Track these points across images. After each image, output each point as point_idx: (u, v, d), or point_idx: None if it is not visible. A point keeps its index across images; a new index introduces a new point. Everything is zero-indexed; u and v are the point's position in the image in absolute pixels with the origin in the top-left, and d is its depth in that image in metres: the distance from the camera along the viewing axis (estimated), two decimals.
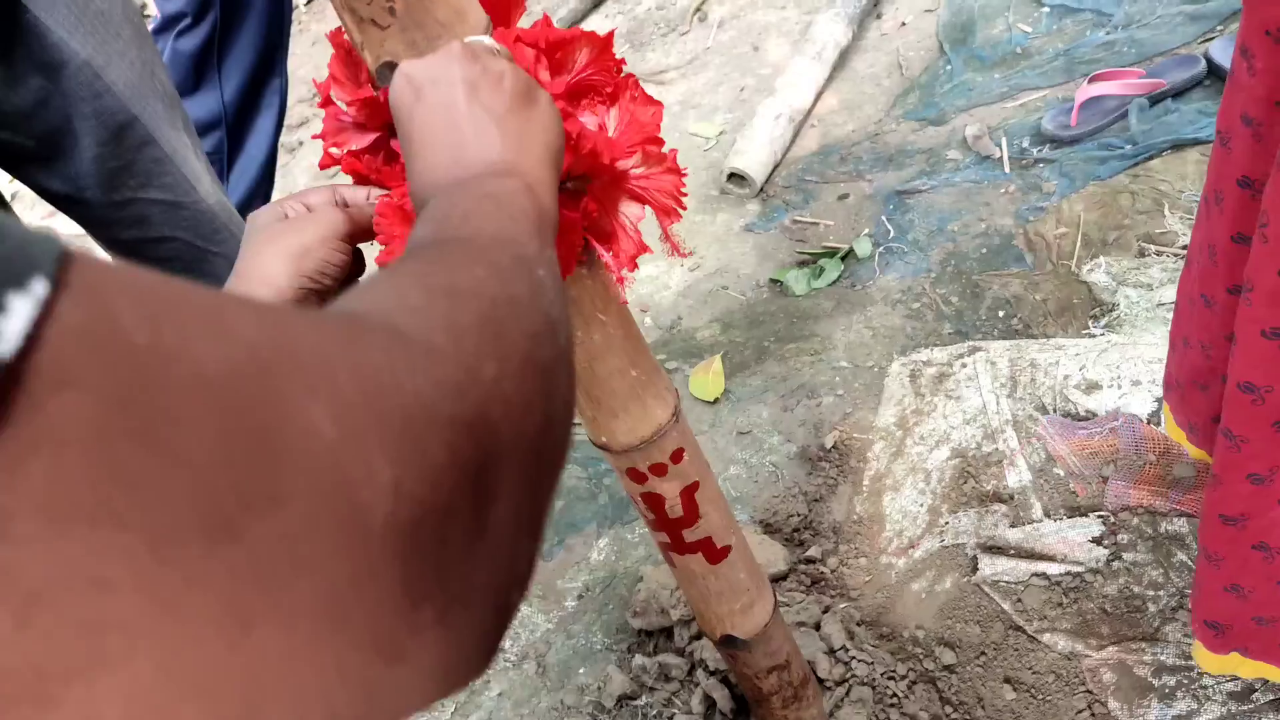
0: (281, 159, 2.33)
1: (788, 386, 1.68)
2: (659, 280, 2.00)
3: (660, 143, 0.71)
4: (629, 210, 0.72)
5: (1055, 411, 1.48)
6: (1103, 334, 1.55)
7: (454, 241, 0.43)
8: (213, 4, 1.94)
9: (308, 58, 3.21)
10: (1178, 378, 1.15)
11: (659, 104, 0.70)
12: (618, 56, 0.70)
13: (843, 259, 1.89)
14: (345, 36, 0.68)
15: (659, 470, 0.91)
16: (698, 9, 2.82)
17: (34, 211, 2.83)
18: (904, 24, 2.46)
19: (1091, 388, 1.48)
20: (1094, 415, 1.45)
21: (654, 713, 1.33)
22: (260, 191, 2.20)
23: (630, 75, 0.72)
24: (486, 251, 0.42)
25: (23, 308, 0.20)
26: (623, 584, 1.50)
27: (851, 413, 1.60)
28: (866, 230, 1.93)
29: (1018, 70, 2.16)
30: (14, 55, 1.16)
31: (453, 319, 0.35)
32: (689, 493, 0.94)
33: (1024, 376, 1.54)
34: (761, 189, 2.14)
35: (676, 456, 0.92)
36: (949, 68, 2.26)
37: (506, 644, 1.50)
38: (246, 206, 2.19)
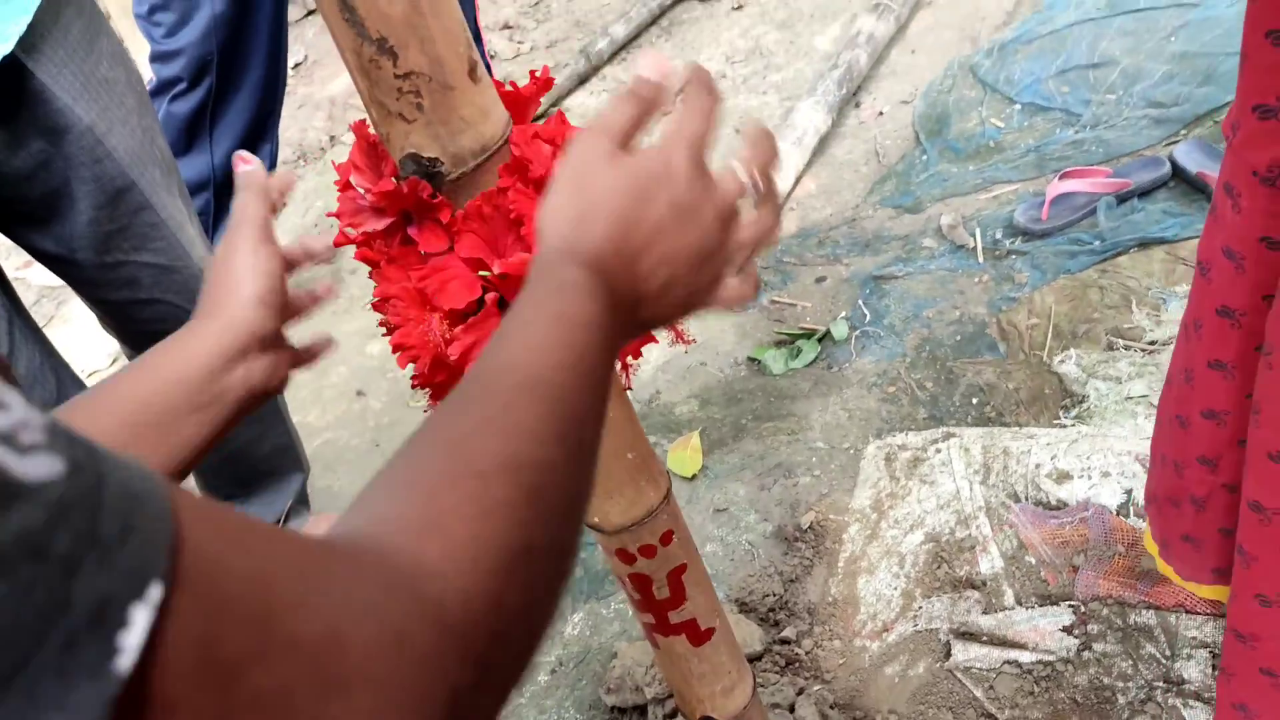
0: None
1: (765, 465, 1.70)
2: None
3: None
4: None
5: (1027, 499, 1.51)
6: (1073, 424, 1.59)
7: (494, 390, 0.42)
8: (209, 71, 1.97)
9: (293, 120, 3.24)
10: (1155, 492, 1.18)
11: None
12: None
13: (820, 341, 1.93)
14: (369, 129, 0.70)
15: (648, 552, 0.92)
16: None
17: (9, 261, 2.82)
18: (881, 113, 2.54)
19: (1062, 477, 1.51)
20: (1065, 505, 1.48)
21: None
22: None
23: None
24: (530, 394, 0.41)
25: (142, 618, 0.20)
26: (597, 660, 1.50)
27: (827, 493, 1.62)
28: (843, 313, 1.97)
29: (991, 163, 2.23)
30: (18, 119, 1.18)
31: (478, 533, 0.34)
32: (676, 574, 0.96)
33: (996, 464, 1.57)
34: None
35: (666, 539, 0.93)
36: (924, 157, 2.33)
37: None
38: None
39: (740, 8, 3.20)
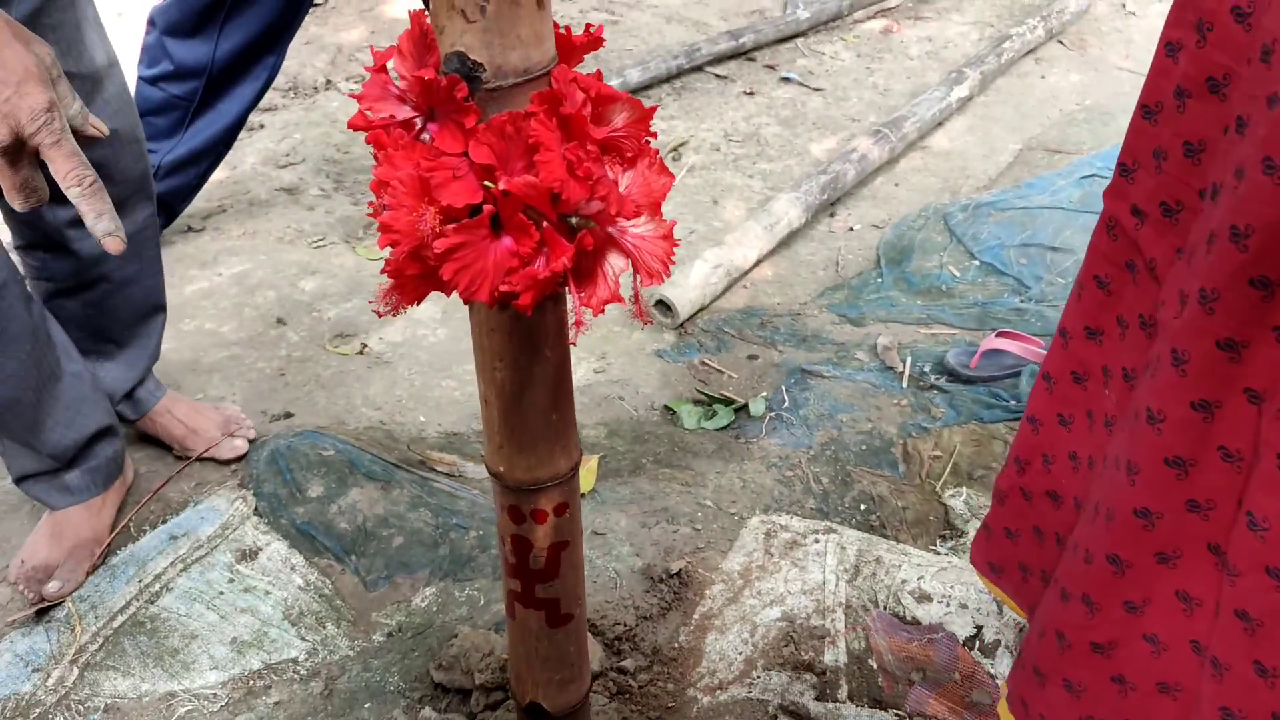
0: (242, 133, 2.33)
1: (652, 506, 1.73)
2: None
3: (660, 210, 0.77)
4: (615, 261, 0.77)
5: (885, 609, 1.56)
6: (947, 554, 1.65)
7: None
8: None
9: (295, 53, 3.23)
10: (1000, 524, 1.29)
11: (671, 176, 0.77)
12: (669, 123, 0.77)
13: (736, 410, 1.98)
14: (426, 18, 0.73)
15: (540, 517, 0.94)
16: (675, 149, 2.97)
17: None
18: (852, 229, 2.64)
19: (923, 598, 1.57)
20: (918, 623, 1.53)
21: None
22: (213, 151, 2.20)
23: (653, 147, 0.78)
24: None
25: None
26: (436, 636, 1.49)
27: (703, 549, 1.65)
28: (765, 393, 2.03)
29: (938, 304, 2.34)
30: None
31: None
32: (556, 549, 0.97)
33: (867, 568, 1.62)
34: (682, 324, 2.23)
35: (560, 510, 0.95)
36: (879, 280, 2.43)
37: (301, 656, 1.46)
38: (194, 161, 2.17)
39: (751, 94, 3.32)
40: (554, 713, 1.09)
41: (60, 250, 1.48)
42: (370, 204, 0.78)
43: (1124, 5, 4.11)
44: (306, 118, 2.99)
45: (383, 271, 0.77)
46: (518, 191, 0.71)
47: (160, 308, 1.67)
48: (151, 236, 1.58)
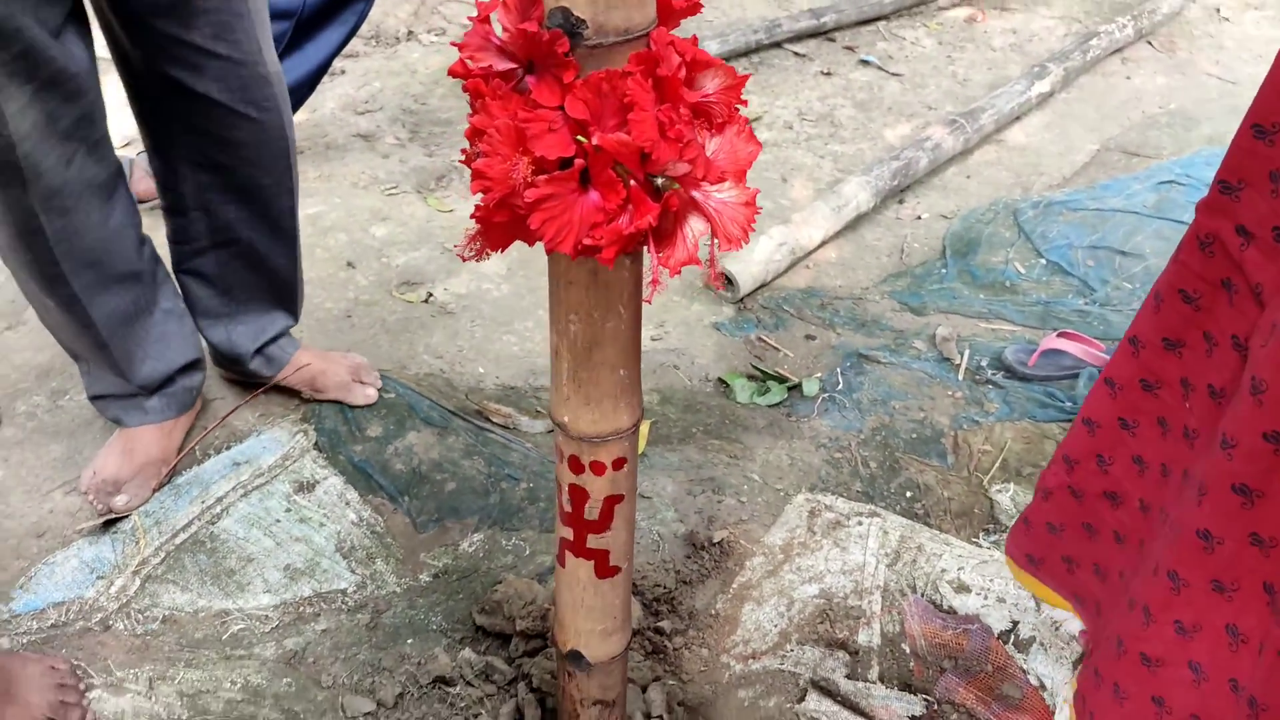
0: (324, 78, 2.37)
1: (699, 474, 1.75)
2: None
3: (744, 178, 0.79)
4: (695, 224, 0.79)
5: (923, 595, 1.57)
6: (989, 548, 1.65)
7: None
8: None
9: (379, 2, 3.27)
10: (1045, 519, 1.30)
11: (758, 145, 0.78)
12: (744, 98, 0.79)
13: (789, 389, 1.99)
14: None
15: (598, 469, 0.97)
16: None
17: None
18: (920, 217, 2.63)
19: (961, 589, 1.58)
20: (954, 612, 1.54)
21: (462, 704, 1.35)
22: (297, 94, 2.24)
23: (742, 115, 0.80)
24: None
25: None
26: (480, 582, 1.53)
27: (746, 520, 1.67)
28: (819, 374, 2.03)
29: (1001, 299, 2.32)
30: None
31: None
32: (611, 502, 1.00)
33: (908, 554, 1.63)
34: (742, 299, 2.25)
35: (618, 464, 0.97)
36: (944, 271, 2.41)
37: (350, 588, 1.51)
38: None
39: (829, 74, 3.30)
40: (594, 662, 1.12)
41: (200, 213, 1.54)
42: (463, 150, 0.80)
43: (1218, 10, 4.01)
44: (387, 66, 3.03)
45: (472, 216, 0.79)
46: (609, 148, 0.72)
47: (293, 276, 1.69)
48: (289, 225, 1.61)
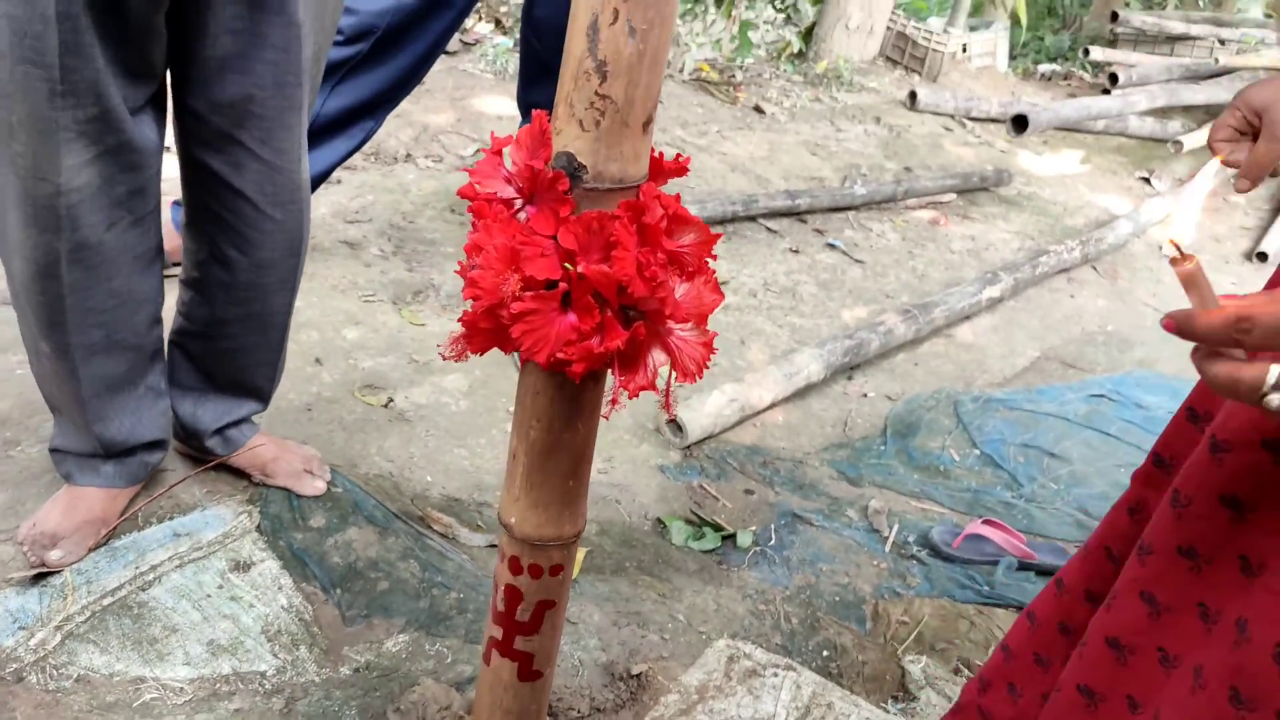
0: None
1: (627, 607, 1.80)
2: None
3: (706, 322, 0.89)
4: (657, 356, 0.88)
5: None
6: (896, 715, 1.70)
7: None
8: (367, 40, 2.18)
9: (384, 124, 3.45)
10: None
11: (721, 295, 0.89)
12: (714, 253, 0.89)
13: (724, 538, 2.06)
14: (549, 121, 0.86)
15: (536, 572, 1.03)
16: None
17: None
18: (866, 395, 2.76)
19: None
20: None
21: None
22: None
23: (711, 267, 0.90)
24: None
25: None
26: (399, 682, 1.55)
27: (666, 658, 1.71)
28: (754, 527, 2.11)
29: (934, 482, 2.43)
30: None
31: None
32: (543, 606, 1.06)
33: (818, 711, 1.67)
34: (689, 446, 2.34)
35: (555, 570, 1.04)
36: (883, 448, 2.53)
37: (270, 671, 1.52)
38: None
39: (796, 252, 3.49)
40: None
41: (205, 300, 1.62)
42: (460, 263, 0.90)
43: (1160, 248, 4.31)
44: (382, 183, 3.17)
45: (460, 320, 0.88)
46: (592, 277, 0.82)
47: (269, 373, 1.76)
48: (282, 322, 1.69)
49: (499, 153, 0.90)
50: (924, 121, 5.19)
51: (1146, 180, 5.15)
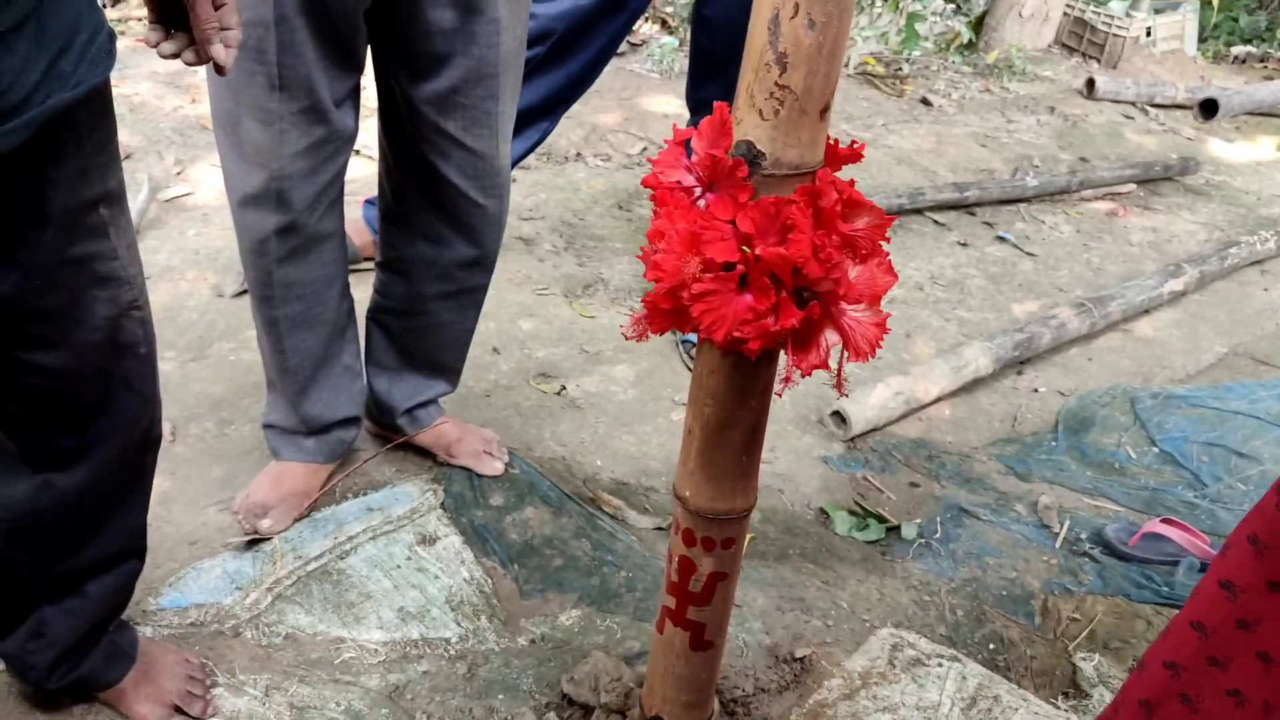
0: None
1: (790, 593, 1.83)
2: None
3: (879, 303, 0.92)
4: (830, 336, 0.92)
5: None
6: (1066, 711, 1.68)
7: None
8: (546, 43, 2.27)
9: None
10: None
11: (895, 277, 0.92)
12: (888, 236, 0.92)
13: (888, 529, 2.07)
14: (730, 112, 0.91)
15: (708, 544, 1.08)
16: None
17: None
18: (1037, 390, 2.70)
19: None
20: None
21: None
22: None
23: (884, 250, 0.93)
24: None
25: None
26: (572, 654, 1.63)
27: (830, 644, 1.74)
28: (919, 520, 2.10)
29: (1108, 479, 2.36)
30: None
31: None
32: (715, 578, 1.11)
33: (984, 703, 1.66)
34: (853, 439, 2.34)
35: (727, 544, 1.08)
36: (1054, 444, 2.47)
37: (454, 638, 1.63)
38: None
39: (965, 245, 3.43)
40: None
41: (403, 278, 1.75)
42: (642, 248, 0.96)
43: None
44: (554, 181, 3.29)
45: (642, 302, 0.94)
46: (768, 259, 0.87)
47: (460, 355, 1.90)
48: (476, 302, 1.82)
49: (682, 144, 0.95)
50: (1102, 110, 4.98)
51: None
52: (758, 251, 0.87)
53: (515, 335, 2.46)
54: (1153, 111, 5.08)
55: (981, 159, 4.18)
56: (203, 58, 1.04)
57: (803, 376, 0.93)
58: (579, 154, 3.51)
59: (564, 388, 2.30)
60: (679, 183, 0.94)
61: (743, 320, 0.89)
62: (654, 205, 0.96)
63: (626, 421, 2.24)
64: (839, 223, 0.88)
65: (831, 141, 0.92)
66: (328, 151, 1.49)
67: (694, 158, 0.93)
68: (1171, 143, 4.75)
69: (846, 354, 0.93)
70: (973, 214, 3.67)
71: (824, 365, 0.92)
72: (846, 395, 2.33)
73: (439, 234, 1.67)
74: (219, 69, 1.05)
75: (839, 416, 2.35)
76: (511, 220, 2.99)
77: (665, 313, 0.93)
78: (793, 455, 2.25)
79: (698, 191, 0.93)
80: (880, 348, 0.92)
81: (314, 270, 1.61)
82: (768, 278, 0.88)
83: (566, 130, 3.61)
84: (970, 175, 3.99)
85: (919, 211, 3.57)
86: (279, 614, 1.62)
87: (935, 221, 3.56)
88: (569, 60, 2.33)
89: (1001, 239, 3.53)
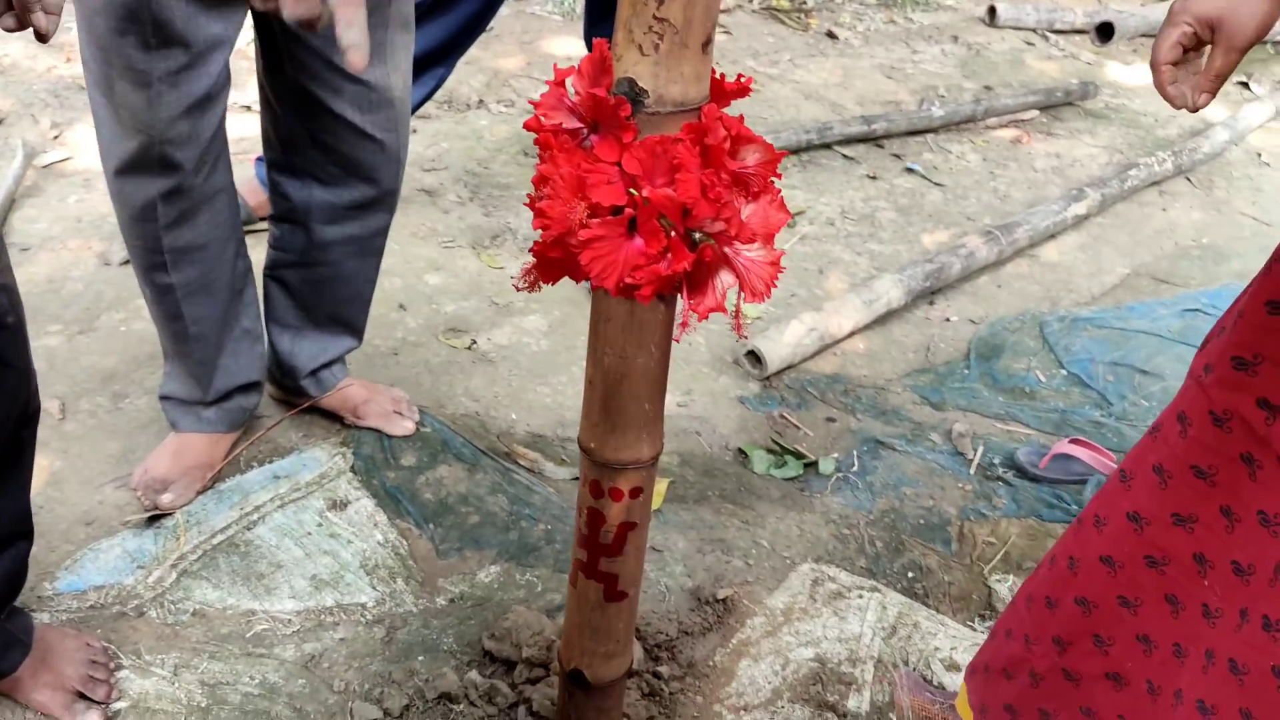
0: None
1: (711, 534, 1.83)
2: None
3: (773, 241, 0.89)
4: (725, 277, 0.89)
5: (914, 669, 1.62)
6: (983, 632, 1.71)
7: None
8: None
9: (455, 71, 3.47)
10: (989, 663, 1.31)
11: (788, 214, 0.89)
12: (779, 172, 0.90)
13: (805, 465, 2.08)
14: (609, 49, 0.87)
15: (616, 495, 1.06)
16: (790, 217, 3.10)
17: None
18: (948, 319, 2.73)
19: (952, 667, 1.63)
20: (944, 688, 1.60)
21: None
22: None
23: (776, 186, 0.91)
24: None
25: None
26: (492, 610, 1.61)
27: (751, 582, 1.74)
28: (836, 455, 2.12)
29: (1019, 403, 2.40)
30: None
31: None
32: (625, 528, 1.09)
33: (904, 630, 1.69)
34: (769, 377, 2.34)
35: (635, 493, 1.06)
36: (966, 372, 2.50)
37: (370, 602, 1.59)
38: None
39: (874, 178, 3.44)
40: (593, 683, 1.20)
41: (301, 228, 1.68)
42: (528, 195, 0.92)
43: (1259, 155, 4.13)
44: (456, 130, 3.20)
45: (530, 251, 0.90)
46: (656, 201, 0.83)
47: (364, 307, 1.83)
48: (378, 246, 1.75)
49: (562, 84, 0.91)
50: (1004, 38, 5.01)
51: (1244, 84, 4.91)
52: (645, 194, 0.84)
53: (422, 290, 2.40)
54: (1053, 37, 5.13)
55: (888, 91, 4.18)
56: (24, 23, 0.97)
57: (699, 320, 0.90)
58: (481, 101, 3.42)
59: (474, 342, 2.26)
60: (562, 125, 0.90)
61: (634, 265, 0.86)
62: (538, 150, 0.92)
63: (540, 373, 2.21)
64: (728, 160, 0.86)
65: (718, 76, 0.89)
66: (207, 107, 1.41)
67: (576, 98, 0.89)
68: (1072, 68, 4.82)
69: (743, 295, 0.91)
70: (881, 146, 3.68)
71: (720, 308, 0.90)
72: (746, 337, 2.33)
73: (334, 176, 1.61)
74: (40, 36, 0.98)
75: (754, 356, 2.34)
76: (413, 172, 2.91)
77: (554, 261, 0.89)
78: (709, 397, 2.25)
79: (583, 134, 0.90)
80: (776, 286, 0.90)
81: (207, 232, 1.54)
82: (657, 220, 0.85)
83: (467, 76, 3.51)
84: (877, 108, 3.99)
85: (828, 146, 3.56)
86: (185, 590, 1.57)
87: (844, 156, 3.55)
88: (461, 3, 2.25)
89: (910, 170, 3.55)
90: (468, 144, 3.14)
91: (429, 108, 3.27)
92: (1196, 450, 1.05)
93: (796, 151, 3.48)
